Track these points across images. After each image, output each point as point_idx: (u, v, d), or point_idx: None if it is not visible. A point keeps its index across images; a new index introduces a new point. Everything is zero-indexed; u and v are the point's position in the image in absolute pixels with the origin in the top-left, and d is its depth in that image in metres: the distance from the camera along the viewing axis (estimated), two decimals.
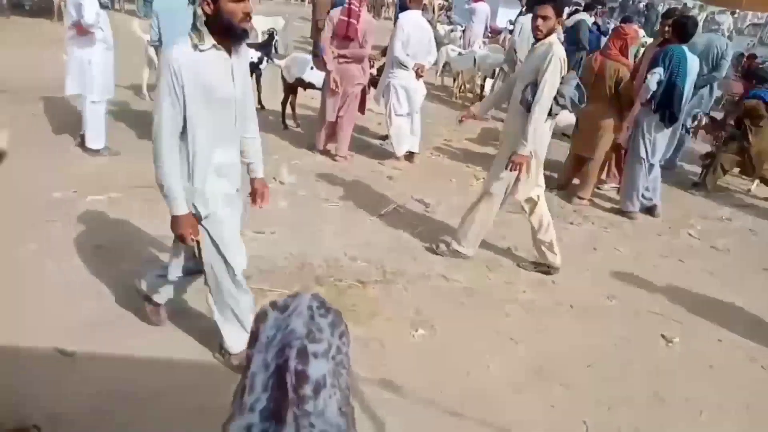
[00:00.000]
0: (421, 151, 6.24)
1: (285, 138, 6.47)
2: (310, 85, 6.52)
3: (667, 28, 5.19)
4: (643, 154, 5.13)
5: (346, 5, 5.47)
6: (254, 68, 7.09)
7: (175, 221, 2.40)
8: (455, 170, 6.16)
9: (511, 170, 3.67)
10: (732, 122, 6.27)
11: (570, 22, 10.05)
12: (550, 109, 3.57)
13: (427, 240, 4.37)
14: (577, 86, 3.63)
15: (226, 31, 2.26)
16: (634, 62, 5.73)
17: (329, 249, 4.07)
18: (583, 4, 9.72)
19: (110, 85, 5.16)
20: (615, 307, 3.78)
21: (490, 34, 12.20)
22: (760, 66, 9.26)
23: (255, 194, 2.74)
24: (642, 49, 7.15)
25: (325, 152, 6.08)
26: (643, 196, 5.35)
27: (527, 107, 3.59)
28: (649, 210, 5.44)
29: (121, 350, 2.78)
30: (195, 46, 2.25)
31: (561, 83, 3.54)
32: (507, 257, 4.28)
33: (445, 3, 17.05)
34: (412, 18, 5.61)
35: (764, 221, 5.79)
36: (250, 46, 7.10)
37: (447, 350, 3.11)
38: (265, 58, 7.09)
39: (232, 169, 2.54)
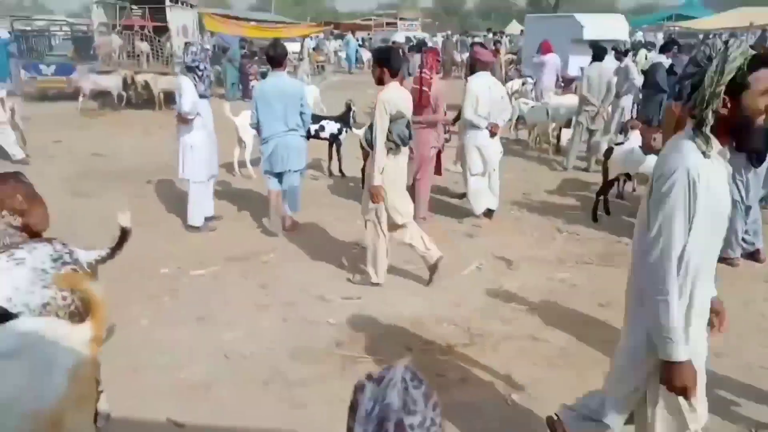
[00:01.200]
0: (500, 207, 6.26)
1: None
2: None
3: None
4: (736, 196, 4.84)
5: (418, 74, 5.76)
6: (335, 139, 7.54)
7: (678, 370, 1.94)
8: (536, 224, 6.10)
9: (372, 201, 4.24)
10: None
11: (646, 66, 9.88)
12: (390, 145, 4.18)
13: (513, 299, 4.33)
14: (407, 125, 4.22)
15: (739, 132, 1.93)
16: None
17: (415, 312, 4.13)
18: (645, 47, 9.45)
19: (213, 166, 5.66)
20: (724, 363, 3.51)
21: (562, 84, 12.21)
22: None
23: (720, 319, 2.20)
24: None
25: None
26: (743, 240, 5.02)
27: (369, 146, 4.24)
28: (752, 255, 5.08)
29: (225, 416, 2.95)
30: (704, 153, 1.89)
31: (391, 122, 4.12)
32: (603, 315, 4.13)
33: (514, 57, 17.31)
34: (481, 81, 5.76)
35: None
36: (329, 119, 7.60)
37: (544, 414, 3.02)
38: (345, 129, 7.50)
39: (707, 306, 2.10)
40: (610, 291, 4.45)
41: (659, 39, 25.16)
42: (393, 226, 4.44)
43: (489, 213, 6.17)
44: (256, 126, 5.44)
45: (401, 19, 33.52)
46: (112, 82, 12.92)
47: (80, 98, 12.77)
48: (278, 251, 5.24)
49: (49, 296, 2.10)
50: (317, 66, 22.88)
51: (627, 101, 8.66)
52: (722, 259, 5.00)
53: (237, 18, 23.35)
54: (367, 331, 3.85)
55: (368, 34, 35.14)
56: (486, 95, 5.72)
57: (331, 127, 7.45)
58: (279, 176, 5.61)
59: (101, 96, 13.21)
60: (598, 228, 5.94)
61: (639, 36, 28.41)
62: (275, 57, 5.34)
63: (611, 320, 4.03)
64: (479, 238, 5.66)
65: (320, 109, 10.00)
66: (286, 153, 5.39)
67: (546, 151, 9.36)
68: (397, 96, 4.20)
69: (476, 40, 19.46)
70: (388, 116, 4.11)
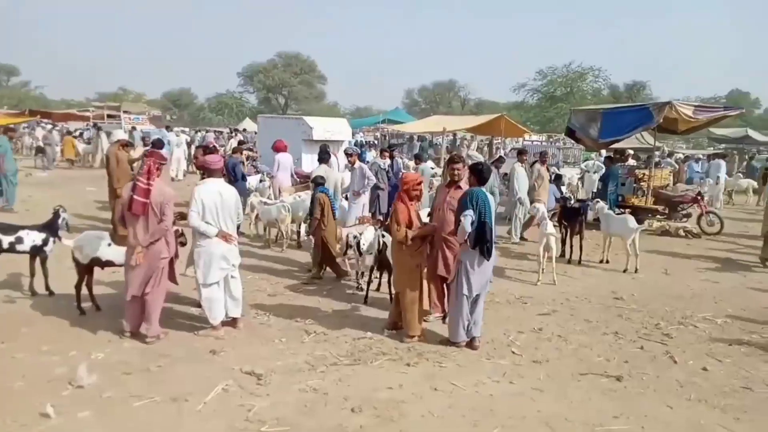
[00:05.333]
0: (245, 314, 5.89)
1: (84, 327, 5.62)
2: (108, 263, 5.89)
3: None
4: (466, 291, 5.35)
5: (135, 181, 5.24)
6: (38, 251, 6.30)
7: None
8: (284, 328, 5.87)
9: None
10: None
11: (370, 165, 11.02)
12: None
13: (265, 422, 3.94)
14: None
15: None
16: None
17: None
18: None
19: None
20: None
21: (298, 180, 12.64)
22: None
23: None
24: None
25: (136, 335, 5.38)
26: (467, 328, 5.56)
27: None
28: (470, 343, 5.48)
29: None
30: None
31: None
32: (355, 424, 4.02)
33: (252, 153, 17.38)
34: (209, 188, 5.45)
35: (562, 326, 6.40)
36: (29, 228, 6.33)
37: None
38: (51, 239, 6.31)
39: None
40: (360, 394, 4.42)
41: (378, 138, 28.80)
42: None
43: (233, 322, 5.75)
44: None
45: (125, 112, 30.91)
46: None
47: None
48: None
49: None
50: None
51: (365, 198, 9.37)
52: (451, 343, 5.49)
53: None
54: None
55: (86, 125, 31.89)
56: (214, 201, 5.40)
57: (33, 237, 6.20)
58: None
59: None
60: (343, 324, 5.99)
61: (359, 137, 32.09)
62: None
63: (366, 428, 3.94)
64: (224, 354, 5.15)
65: None
66: None
67: (281, 245, 9.40)
68: None
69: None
70: None
